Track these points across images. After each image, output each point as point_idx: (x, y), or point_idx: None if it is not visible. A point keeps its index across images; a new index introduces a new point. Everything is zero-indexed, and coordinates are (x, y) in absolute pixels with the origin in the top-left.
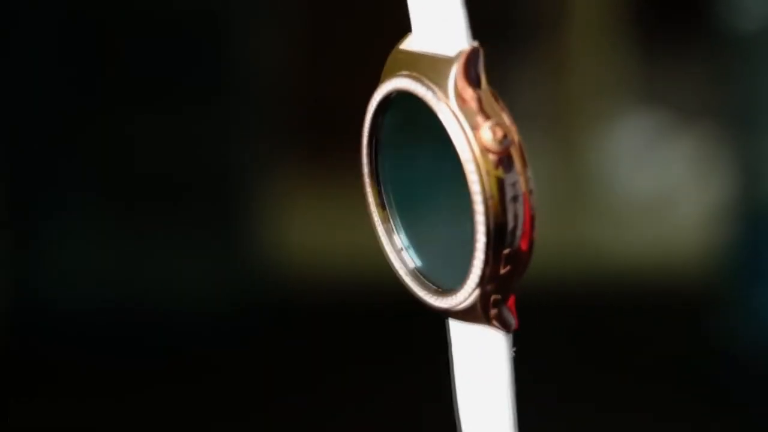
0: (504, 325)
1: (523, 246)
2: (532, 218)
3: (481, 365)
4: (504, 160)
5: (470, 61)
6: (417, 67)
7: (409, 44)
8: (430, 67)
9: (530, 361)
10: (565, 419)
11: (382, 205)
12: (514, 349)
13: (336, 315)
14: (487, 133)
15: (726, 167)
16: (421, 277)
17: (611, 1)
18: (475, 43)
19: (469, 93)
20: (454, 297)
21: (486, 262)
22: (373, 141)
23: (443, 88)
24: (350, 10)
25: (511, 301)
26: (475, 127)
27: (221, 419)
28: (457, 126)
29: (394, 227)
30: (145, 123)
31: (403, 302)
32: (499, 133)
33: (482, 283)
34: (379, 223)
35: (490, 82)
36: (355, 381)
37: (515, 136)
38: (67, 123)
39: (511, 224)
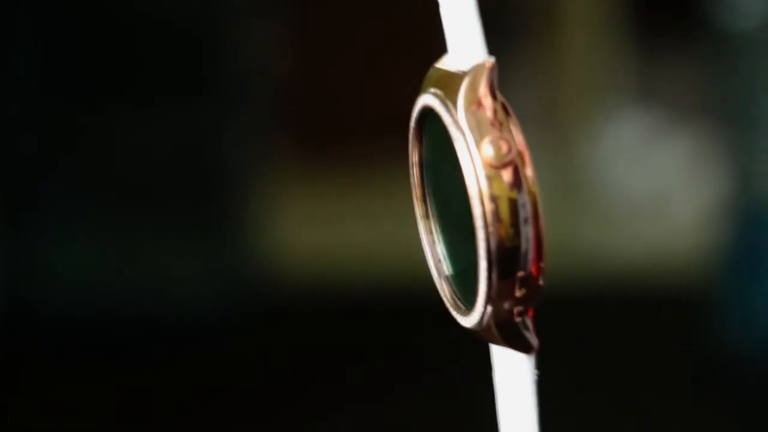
0: (523, 347)
1: (534, 270)
2: (540, 240)
3: (508, 385)
4: (517, 181)
5: (484, 75)
6: (440, 84)
7: (441, 62)
8: (448, 83)
9: None
10: (559, 420)
11: (426, 216)
12: (537, 372)
13: (330, 315)
14: (488, 148)
15: (721, 167)
16: (453, 292)
17: (605, 0)
18: (491, 59)
19: (488, 102)
20: (471, 317)
21: (489, 285)
22: (418, 152)
23: (454, 103)
24: (344, 10)
25: (532, 321)
26: (480, 141)
27: (216, 419)
28: (463, 142)
29: (435, 238)
30: (137, 124)
31: (397, 302)
32: (504, 147)
33: (489, 305)
34: (424, 233)
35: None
36: (350, 381)
37: (524, 152)
38: (57, 126)
39: (523, 247)
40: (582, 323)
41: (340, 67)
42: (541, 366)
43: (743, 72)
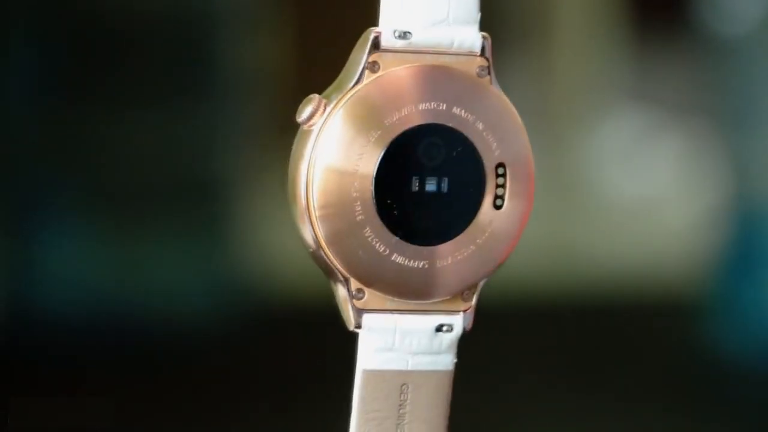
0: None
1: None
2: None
3: None
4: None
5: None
6: None
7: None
8: None
9: (516, 363)
10: (552, 424)
11: None
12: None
13: (320, 318)
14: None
15: (715, 168)
16: None
17: (600, 2)
18: (378, 29)
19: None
20: None
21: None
22: None
23: None
24: (339, 12)
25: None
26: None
27: (208, 420)
28: None
29: None
30: (132, 128)
31: None
32: (309, 107)
33: (335, 284)
34: None
35: None
36: (334, 385)
37: (328, 114)
38: (54, 129)
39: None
40: (574, 326)
41: (329, 68)
42: (531, 368)
43: (735, 74)
